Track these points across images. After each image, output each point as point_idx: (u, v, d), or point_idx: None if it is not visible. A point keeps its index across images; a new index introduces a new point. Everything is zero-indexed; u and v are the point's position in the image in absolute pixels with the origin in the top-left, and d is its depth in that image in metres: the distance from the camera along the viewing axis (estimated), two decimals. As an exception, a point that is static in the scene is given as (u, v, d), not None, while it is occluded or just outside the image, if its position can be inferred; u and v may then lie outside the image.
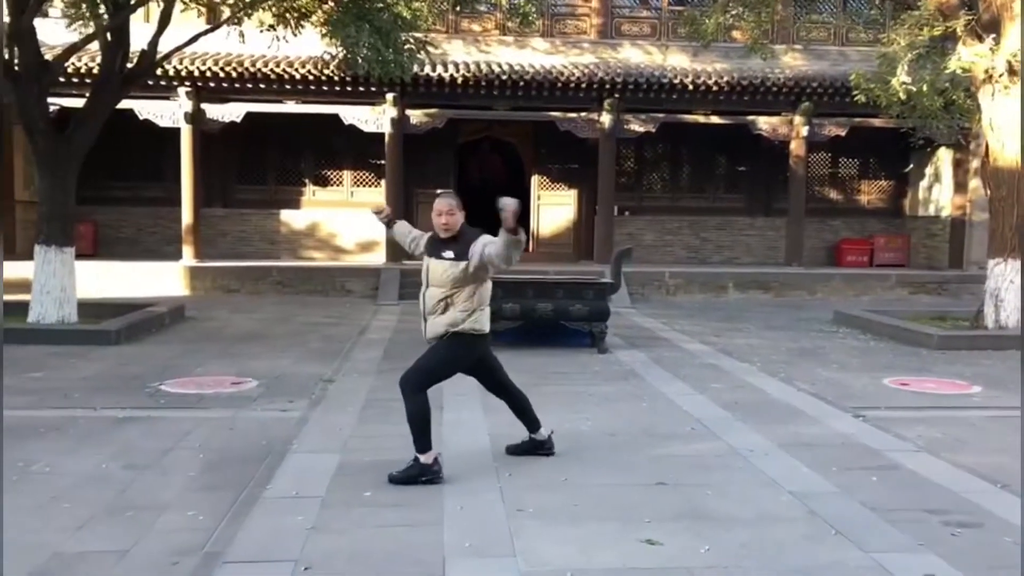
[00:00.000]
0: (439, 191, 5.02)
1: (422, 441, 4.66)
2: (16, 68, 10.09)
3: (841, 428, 6.07)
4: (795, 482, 4.77)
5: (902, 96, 10.92)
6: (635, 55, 16.79)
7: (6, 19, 10.79)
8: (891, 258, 17.66)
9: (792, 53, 16.93)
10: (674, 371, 8.22)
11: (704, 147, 18.09)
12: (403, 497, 4.40)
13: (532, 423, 5.22)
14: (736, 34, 15.90)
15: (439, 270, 4.68)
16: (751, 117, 16.36)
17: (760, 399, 7.05)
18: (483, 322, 4.81)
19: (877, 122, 15.67)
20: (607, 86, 15.55)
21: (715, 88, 15.57)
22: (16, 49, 10.06)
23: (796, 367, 8.61)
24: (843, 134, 16.54)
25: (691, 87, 15.52)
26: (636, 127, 16.24)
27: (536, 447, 5.23)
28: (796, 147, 16.51)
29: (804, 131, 16.30)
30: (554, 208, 18.02)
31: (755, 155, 18.04)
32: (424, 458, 4.64)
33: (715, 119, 16.46)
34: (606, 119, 15.96)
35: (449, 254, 4.65)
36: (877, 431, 6.00)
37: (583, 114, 16.09)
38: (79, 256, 10.69)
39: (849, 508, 4.35)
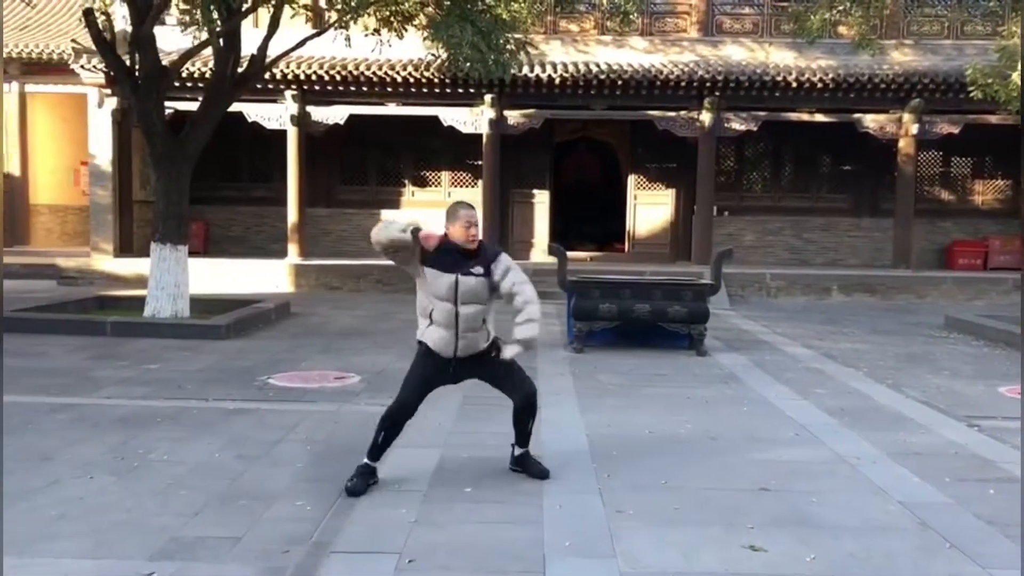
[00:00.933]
0: (459, 201, 4.66)
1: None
2: (136, 74, 10.59)
3: (953, 437, 5.83)
4: (905, 492, 4.61)
5: (1022, 91, 10.44)
6: (737, 52, 16.48)
7: (128, 28, 11.37)
8: (1007, 261, 16.85)
9: (902, 48, 16.33)
10: (776, 375, 8.05)
11: (807, 145, 17.65)
12: (502, 494, 4.44)
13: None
14: (842, 30, 15.48)
15: (473, 286, 4.42)
16: (857, 115, 15.86)
17: (866, 405, 6.84)
18: None
19: (994, 119, 14.96)
20: (707, 84, 15.33)
21: (820, 85, 15.17)
22: (137, 56, 10.55)
23: (904, 373, 8.32)
24: (956, 132, 15.87)
25: (795, 84, 15.16)
26: (737, 126, 15.95)
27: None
28: (905, 145, 15.93)
29: (914, 129, 15.71)
30: (651, 208, 17.87)
31: (861, 154, 17.50)
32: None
33: (819, 117, 16.03)
34: (706, 118, 15.74)
35: (479, 270, 4.44)
36: (993, 441, 5.74)
37: (682, 113, 15.90)
38: (191, 254, 11.12)
39: (964, 520, 4.19)
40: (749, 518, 4.15)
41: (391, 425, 4.54)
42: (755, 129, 16.08)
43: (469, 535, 3.88)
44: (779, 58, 16.26)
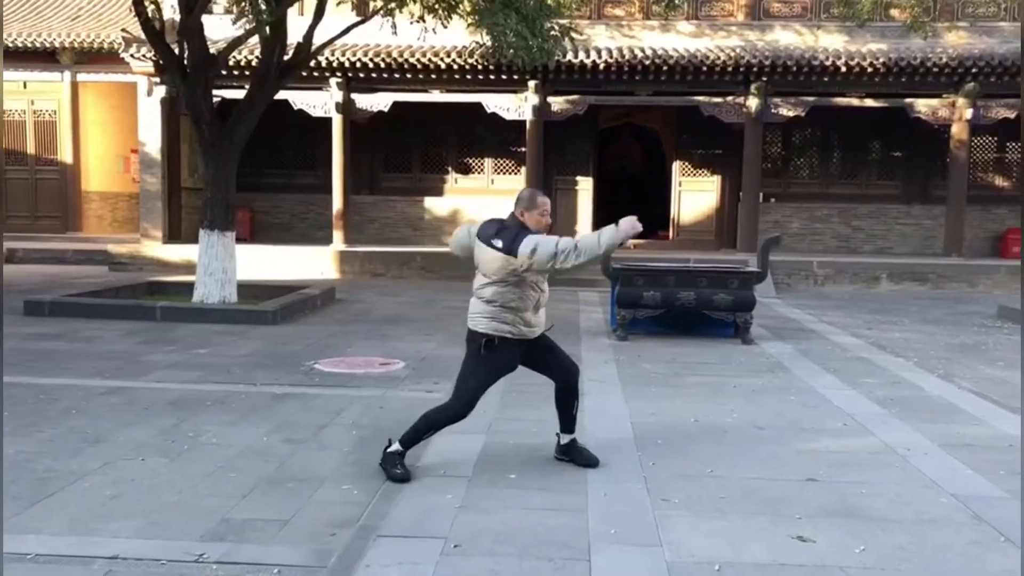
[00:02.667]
0: (525, 189, 4.91)
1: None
2: (185, 62, 10.72)
3: (1008, 429, 5.70)
4: (957, 484, 4.52)
5: (1083, 74, 10.13)
6: (785, 37, 16.21)
7: (177, 17, 11.51)
8: (1064, 249, 16.42)
9: (956, 31, 15.94)
10: (823, 364, 7.93)
11: (856, 131, 17.34)
12: (547, 482, 4.44)
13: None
14: (894, 12, 15.17)
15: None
16: (909, 100, 15.53)
17: (917, 396, 6.71)
18: None
19: (1052, 103, 14.56)
20: (755, 69, 15.11)
21: (870, 70, 14.87)
22: (185, 44, 10.68)
23: (956, 363, 8.15)
24: (1012, 116, 15.46)
25: (844, 69, 14.88)
26: (785, 111, 15.71)
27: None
28: (958, 131, 15.57)
29: (968, 114, 15.34)
30: (696, 194, 17.71)
31: (912, 139, 17.16)
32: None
33: (870, 102, 15.73)
34: (753, 103, 15.52)
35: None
36: (1050, 434, 5.61)
37: (729, 98, 15.70)
38: (237, 241, 11.26)
39: (1019, 514, 4.09)
40: (797, 508, 4.10)
41: (439, 426, 4.56)
42: (803, 115, 15.83)
43: (514, 521, 3.88)
44: (828, 42, 15.96)
